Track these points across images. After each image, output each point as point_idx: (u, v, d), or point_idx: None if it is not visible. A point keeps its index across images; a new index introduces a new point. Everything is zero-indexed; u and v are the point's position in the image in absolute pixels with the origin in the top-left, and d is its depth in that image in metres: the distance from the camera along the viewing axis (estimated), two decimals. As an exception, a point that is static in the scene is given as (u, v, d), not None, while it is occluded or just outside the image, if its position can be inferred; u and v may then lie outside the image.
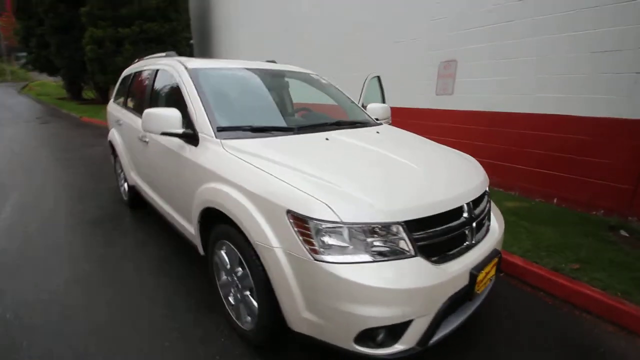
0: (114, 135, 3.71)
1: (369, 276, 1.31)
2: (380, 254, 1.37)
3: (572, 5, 3.27)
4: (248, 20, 9.82)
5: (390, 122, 3.02)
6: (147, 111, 1.98)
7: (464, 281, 1.52)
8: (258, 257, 1.54)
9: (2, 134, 9.05)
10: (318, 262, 1.33)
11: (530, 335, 1.97)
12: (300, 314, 1.43)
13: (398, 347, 1.40)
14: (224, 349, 1.81)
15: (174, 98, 2.45)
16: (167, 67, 2.58)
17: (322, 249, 1.34)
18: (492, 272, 1.72)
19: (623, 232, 2.95)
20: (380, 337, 1.38)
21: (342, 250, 1.35)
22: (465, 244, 1.62)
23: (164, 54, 2.96)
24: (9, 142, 7.95)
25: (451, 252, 1.54)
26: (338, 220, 1.32)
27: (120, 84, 3.91)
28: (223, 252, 1.89)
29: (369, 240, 1.36)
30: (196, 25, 15.12)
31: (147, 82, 2.90)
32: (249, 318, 1.80)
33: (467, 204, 1.63)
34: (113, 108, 3.88)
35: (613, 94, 3.08)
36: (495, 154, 4.06)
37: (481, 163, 2.16)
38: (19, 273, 2.49)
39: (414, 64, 5.02)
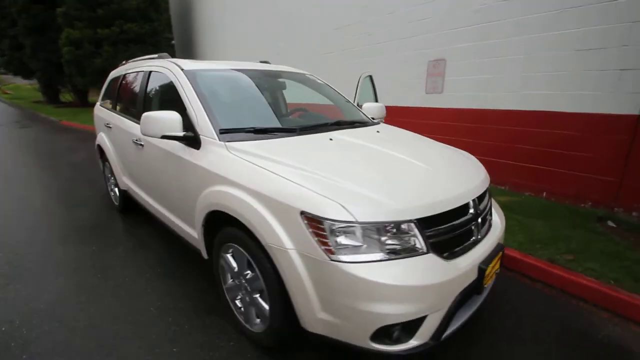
0: (103, 139, 3.60)
1: (385, 274, 1.32)
2: (394, 252, 1.39)
3: (556, 5, 3.38)
4: (233, 20, 9.72)
5: (383, 120, 3.06)
6: (146, 114, 1.94)
7: (473, 275, 1.55)
8: (269, 259, 1.53)
9: (-23, 140, 8.66)
10: (334, 262, 1.33)
11: (532, 325, 2.03)
12: (315, 315, 1.43)
13: (413, 343, 1.42)
14: (234, 352, 1.80)
15: (171, 100, 2.40)
16: (162, 69, 2.53)
17: (337, 249, 1.34)
18: (497, 266, 1.76)
19: (610, 223, 3.08)
20: (396, 333, 1.40)
21: (357, 249, 1.36)
22: (472, 239, 1.65)
23: (156, 55, 2.89)
24: (-14, 148, 7.62)
25: (460, 248, 1.57)
26: (353, 220, 1.33)
27: (108, 86, 3.81)
28: (229, 256, 1.87)
29: (383, 238, 1.37)
30: (178, 26, 14.85)
31: (139, 84, 2.84)
32: (258, 320, 1.79)
33: (473, 200, 1.67)
34: (101, 111, 3.77)
35: (598, 90, 3.21)
36: (486, 150, 4.16)
37: (473, 160, 2.21)
38: (10, 285, 2.40)
39: (403, 63, 5.08)
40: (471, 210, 1.66)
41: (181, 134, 1.96)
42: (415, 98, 4.99)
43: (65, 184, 4.84)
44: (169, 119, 1.93)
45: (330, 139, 2.01)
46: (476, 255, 1.59)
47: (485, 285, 1.65)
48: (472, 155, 2.26)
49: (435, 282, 1.38)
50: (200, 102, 2.05)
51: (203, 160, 1.89)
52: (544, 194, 3.80)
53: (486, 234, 1.79)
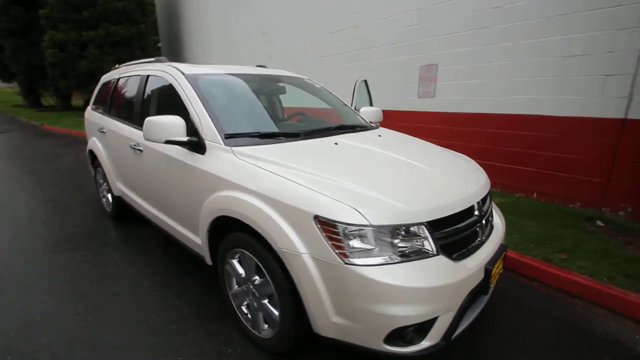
0: (96, 144, 3.53)
1: (399, 276, 1.34)
2: (406, 254, 1.41)
3: (543, 13, 3.51)
4: (223, 24, 9.67)
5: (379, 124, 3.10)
6: (149, 119, 1.92)
7: (480, 276, 1.59)
8: (280, 264, 1.53)
9: (-46, 145, 8.33)
10: (348, 265, 1.34)
11: (533, 322, 2.10)
12: (329, 318, 1.43)
13: (425, 344, 1.44)
14: (242, 359, 1.78)
15: (171, 105, 2.38)
16: (161, 73, 2.51)
17: (351, 253, 1.36)
18: (501, 266, 1.81)
19: (599, 223, 3.19)
20: (409, 335, 1.42)
21: (369, 252, 1.38)
22: (477, 240, 1.70)
23: (153, 59, 2.86)
24: (-35, 154, 7.34)
25: (467, 249, 1.61)
26: (367, 223, 1.35)
27: (100, 90, 3.73)
28: (235, 261, 1.86)
29: (396, 241, 1.40)
30: (164, 28, 14.67)
31: (136, 88, 2.79)
32: (266, 326, 1.79)
33: (478, 202, 1.72)
34: (93, 115, 3.69)
35: (585, 95, 3.34)
36: (477, 153, 4.25)
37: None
38: (0, 297, 2.31)
39: (395, 67, 5.16)
40: (476, 212, 1.70)
41: (185, 139, 1.94)
42: (408, 102, 5.07)
43: (52, 191, 4.70)
44: (173, 124, 1.91)
45: (336, 143, 2.03)
46: (482, 256, 1.63)
47: (491, 285, 1.69)
48: (470, 159, 2.32)
49: (446, 283, 1.41)
50: (204, 107, 2.04)
51: (208, 165, 1.87)
52: (535, 195, 3.91)
53: (489, 235, 1.84)
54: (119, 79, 3.28)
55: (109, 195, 3.59)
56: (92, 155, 3.77)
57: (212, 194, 1.83)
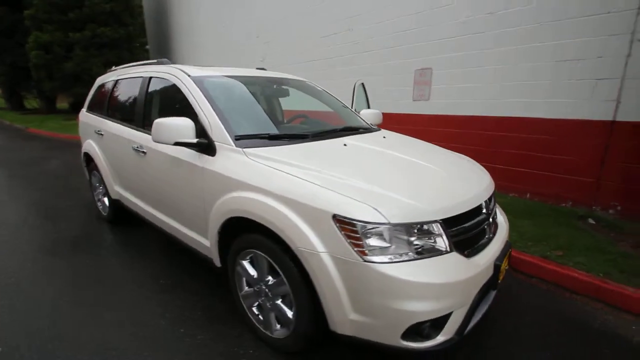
0: (92, 146, 3.47)
1: (417, 273, 1.38)
2: (422, 251, 1.45)
3: (536, 20, 3.64)
4: (214, 26, 9.62)
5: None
6: (158, 121, 1.91)
7: (490, 272, 1.64)
8: (297, 264, 1.55)
9: None
10: (367, 263, 1.37)
11: (533, 317, 2.16)
12: (346, 316, 1.46)
13: (440, 339, 1.48)
14: (255, 359, 1.78)
15: (177, 106, 2.38)
16: (164, 75, 2.50)
17: (370, 251, 1.39)
18: (506, 263, 1.87)
19: (591, 221, 3.31)
20: (426, 330, 1.45)
21: (387, 250, 1.41)
22: (486, 237, 1.75)
23: (155, 60, 2.85)
24: (-54, 158, 7.08)
25: (477, 246, 1.66)
26: (385, 221, 1.38)
27: (96, 92, 3.68)
28: (247, 262, 1.87)
29: (412, 239, 1.43)
30: (152, 30, 14.49)
31: (137, 90, 2.77)
32: (278, 326, 1.80)
33: (485, 201, 1.77)
34: (89, 118, 3.63)
35: (575, 98, 3.47)
36: (472, 155, 4.28)
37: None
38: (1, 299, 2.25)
39: (390, 71, 5.25)
40: (484, 210, 1.76)
41: (194, 140, 1.94)
42: (403, 105, 5.16)
43: (42, 195, 4.58)
44: (183, 126, 1.91)
45: (345, 145, 2.06)
46: (491, 253, 1.68)
47: (499, 281, 1.74)
48: (473, 160, 2.38)
49: (460, 279, 1.45)
50: (213, 109, 2.04)
51: (219, 166, 1.88)
52: (528, 195, 4.02)
53: (495, 233, 1.89)
54: (117, 80, 3.24)
55: (106, 199, 3.54)
56: (88, 158, 3.70)
57: (224, 196, 1.83)
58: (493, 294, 1.81)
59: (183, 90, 2.24)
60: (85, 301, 2.27)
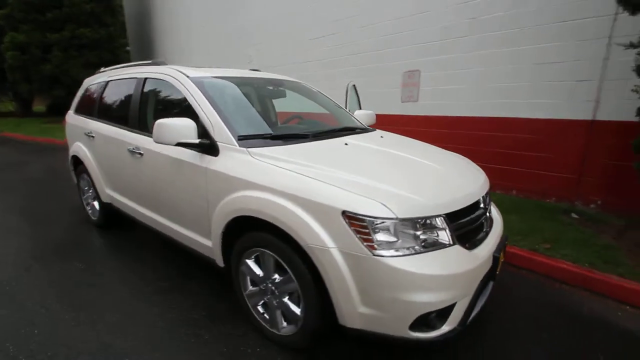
0: (81, 149, 3.39)
1: (424, 266, 1.43)
2: (427, 245, 1.50)
3: (517, 24, 3.81)
4: (200, 27, 9.53)
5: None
6: (160, 122, 1.91)
7: (489, 263, 1.72)
8: (305, 260, 1.58)
9: None
10: (377, 257, 1.42)
11: (526, 307, 2.27)
12: (356, 310, 1.50)
13: (444, 329, 1.54)
14: (263, 357, 1.80)
15: (175, 107, 2.38)
16: (161, 76, 2.48)
17: (378, 245, 1.43)
18: (503, 255, 1.95)
19: (574, 215, 3.48)
20: (432, 321, 1.51)
21: (394, 244, 1.46)
22: (484, 231, 1.83)
23: (149, 61, 2.82)
24: None
25: (477, 239, 1.74)
26: (394, 216, 1.43)
27: (84, 94, 3.60)
28: (251, 261, 1.88)
29: (418, 233, 1.49)
30: (134, 31, 14.19)
31: (132, 91, 2.73)
32: (285, 323, 1.82)
33: (482, 196, 1.86)
34: (77, 119, 3.54)
35: (556, 99, 3.65)
36: (459, 154, 4.49)
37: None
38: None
39: (378, 73, 5.35)
40: (482, 205, 1.84)
41: (197, 141, 1.95)
42: (392, 106, 5.26)
43: (25, 201, 4.43)
44: (185, 127, 1.91)
45: (346, 144, 2.11)
46: (489, 246, 1.76)
47: (497, 272, 1.82)
48: (466, 158, 2.48)
49: (464, 271, 1.52)
50: (214, 109, 2.05)
51: (223, 166, 1.89)
52: (514, 192, 4.18)
53: (491, 227, 1.98)
54: (108, 81, 3.18)
55: (96, 203, 3.46)
56: (75, 162, 3.61)
57: (229, 195, 1.84)
58: (491, 285, 1.89)
59: (182, 92, 2.23)
60: (82, 306, 2.22)
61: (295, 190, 1.59)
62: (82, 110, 3.54)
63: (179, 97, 2.27)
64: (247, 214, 1.75)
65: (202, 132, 2.02)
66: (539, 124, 3.83)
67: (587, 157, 3.55)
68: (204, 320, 2.08)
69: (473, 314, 1.66)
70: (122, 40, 14.00)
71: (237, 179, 1.80)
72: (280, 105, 3.26)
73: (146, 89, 2.62)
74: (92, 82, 3.52)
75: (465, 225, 1.66)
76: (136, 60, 13.67)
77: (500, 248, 1.83)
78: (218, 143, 1.96)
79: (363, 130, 2.69)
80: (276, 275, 1.78)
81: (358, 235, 1.44)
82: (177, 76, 2.33)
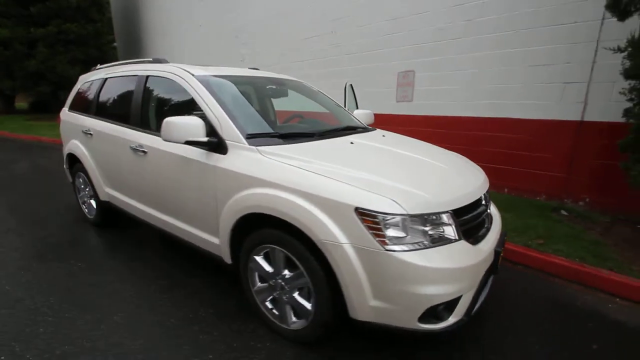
0: (79, 147, 3.34)
1: (434, 260, 1.49)
2: (435, 240, 1.57)
3: (511, 27, 3.92)
4: (191, 25, 9.42)
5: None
6: (168, 120, 1.92)
7: (492, 257, 1.79)
8: (317, 256, 1.62)
9: None
10: (389, 252, 1.47)
11: (524, 300, 2.37)
12: (367, 303, 1.55)
13: (451, 320, 1.60)
14: (274, 352, 1.83)
15: (179, 106, 2.38)
16: (164, 74, 2.48)
17: (389, 240, 1.49)
18: (502, 250, 2.04)
19: (564, 212, 3.62)
20: (440, 312, 1.57)
21: (404, 239, 1.51)
22: (485, 227, 1.91)
23: (150, 59, 2.81)
24: None
25: (480, 234, 1.81)
26: (404, 212, 1.49)
27: (80, 91, 3.54)
28: (260, 258, 1.91)
29: (427, 228, 1.55)
30: (121, 27, 13.89)
31: (133, 89, 2.71)
32: (294, 318, 1.86)
33: (483, 194, 1.93)
34: (73, 117, 3.49)
35: (547, 100, 3.78)
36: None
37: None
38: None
39: (373, 73, 5.42)
40: (483, 202, 1.92)
41: (205, 139, 1.96)
42: (387, 106, 5.34)
43: (17, 199, 4.33)
44: (193, 125, 1.92)
45: (352, 143, 2.16)
46: (491, 241, 1.84)
47: (498, 266, 1.90)
48: (464, 157, 2.56)
49: (470, 264, 1.59)
50: (222, 108, 2.07)
51: (232, 165, 1.91)
52: (506, 190, 4.31)
53: (491, 223, 2.06)
54: (106, 79, 3.15)
55: (93, 202, 3.42)
56: (71, 160, 3.56)
57: (238, 193, 1.87)
58: (492, 278, 1.97)
59: (188, 90, 2.24)
60: (86, 305, 2.21)
61: (307, 187, 1.62)
62: (78, 107, 3.49)
63: (185, 95, 2.28)
64: (258, 211, 1.77)
65: (210, 130, 2.03)
66: (530, 124, 3.96)
67: (576, 156, 3.69)
68: (211, 318, 2.10)
69: (477, 306, 1.73)
70: (109, 37, 13.72)
71: (248, 176, 1.83)
72: (281, 104, 3.29)
73: (149, 87, 2.61)
74: (87, 79, 3.47)
75: (469, 222, 1.73)
76: (123, 57, 13.51)
77: (501, 243, 1.91)
78: (226, 141, 1.98)
79: (364, 129, 2.74)
80: (286, 271, 1.81)
81: (370, 231, 1.49)
82: (182, 74, 2.33)
